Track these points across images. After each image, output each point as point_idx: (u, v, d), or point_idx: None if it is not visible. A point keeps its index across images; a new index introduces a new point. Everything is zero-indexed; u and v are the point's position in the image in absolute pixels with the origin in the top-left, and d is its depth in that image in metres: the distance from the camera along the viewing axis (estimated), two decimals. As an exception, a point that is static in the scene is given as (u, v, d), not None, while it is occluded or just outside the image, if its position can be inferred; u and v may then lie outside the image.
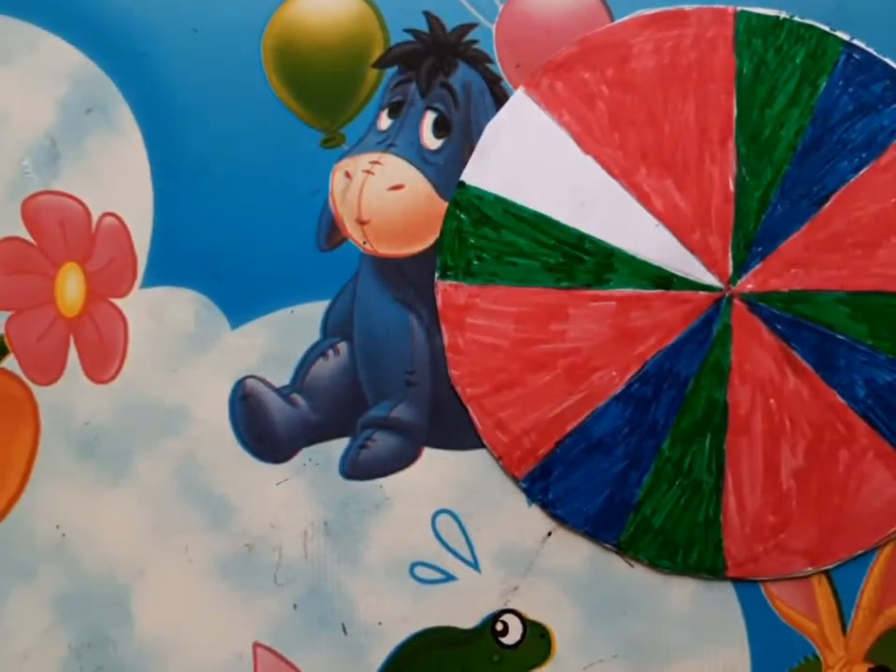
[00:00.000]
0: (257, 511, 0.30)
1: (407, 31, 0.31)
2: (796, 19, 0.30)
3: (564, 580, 0.29)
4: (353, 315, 0.31)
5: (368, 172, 0.31)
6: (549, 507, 0.29)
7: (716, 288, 0.29)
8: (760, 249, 0.29)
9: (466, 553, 0.30)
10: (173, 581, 0.30)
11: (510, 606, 0.29)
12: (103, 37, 0.32)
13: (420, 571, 0.30)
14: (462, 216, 0.30)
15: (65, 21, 0.32)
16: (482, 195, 0.30)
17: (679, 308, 0.29)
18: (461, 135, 0.31)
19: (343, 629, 0.30)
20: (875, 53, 0.29)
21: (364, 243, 0.31)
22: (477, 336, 0.30)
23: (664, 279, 0.29)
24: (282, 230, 0.31)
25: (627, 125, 0.30)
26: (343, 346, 0.31)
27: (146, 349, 0.31)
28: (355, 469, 0.30)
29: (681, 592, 0.29)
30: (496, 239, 0.30)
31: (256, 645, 0.30)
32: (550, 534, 0.29)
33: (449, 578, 0.30)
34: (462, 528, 0.30)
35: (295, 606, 0.30)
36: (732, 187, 0.29)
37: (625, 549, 0.29)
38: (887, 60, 0.29)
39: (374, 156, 0.31)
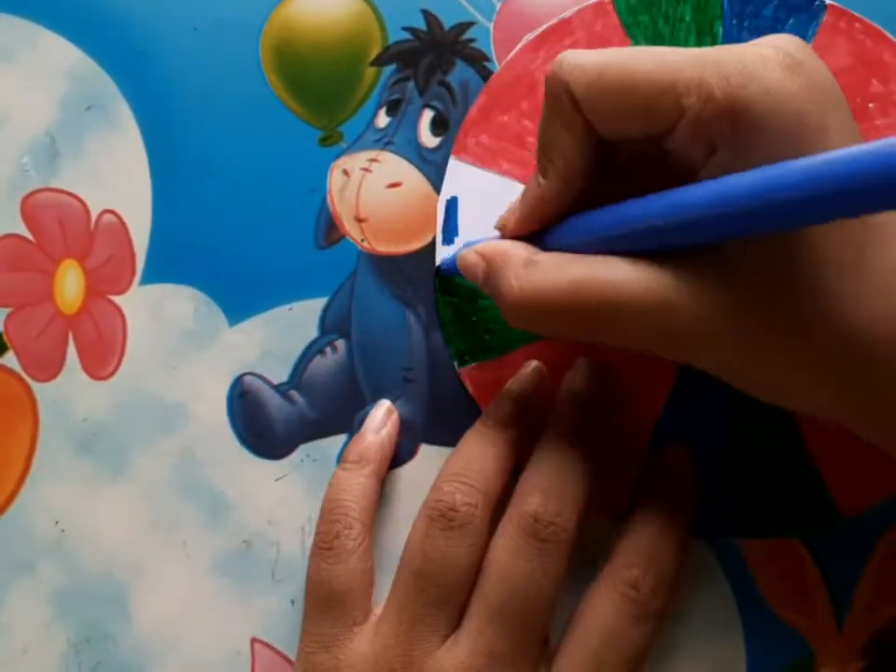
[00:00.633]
0: (254, 507, 0.30)
1: (405, 29, 0.31)
2: None
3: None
4: (351, 312, 0.31)
5: (366, 170, 0.31)
6: None
7: None
8: None
9: (463, 550, 0.30)
10: (171, 577, 0.30)
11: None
12: (102, 35, 0.32)
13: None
14: (454, 300, 0.30)
15: (65, 18, 0.32)
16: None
17: None
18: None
19: (341, 625, 0.30)
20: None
21: (362, 240, 0.31)
22: None
23: None
24: (280, 227, 0.31)
25: None
26: (340, 343, 0.31)
27: (144, 346, 0.31)
28: (352, 465, 0.30)
29: (677, 589, 0.29)
30: (494, 307, 0.30)
31: (254, 640, 0.30)
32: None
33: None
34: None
35: (293, 602, 0.30)
36: None
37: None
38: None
39: (372, 154, 0.31)
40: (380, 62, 0.31)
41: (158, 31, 0.32)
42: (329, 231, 0.31)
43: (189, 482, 0.30)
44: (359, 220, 0.31)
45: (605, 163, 0.24)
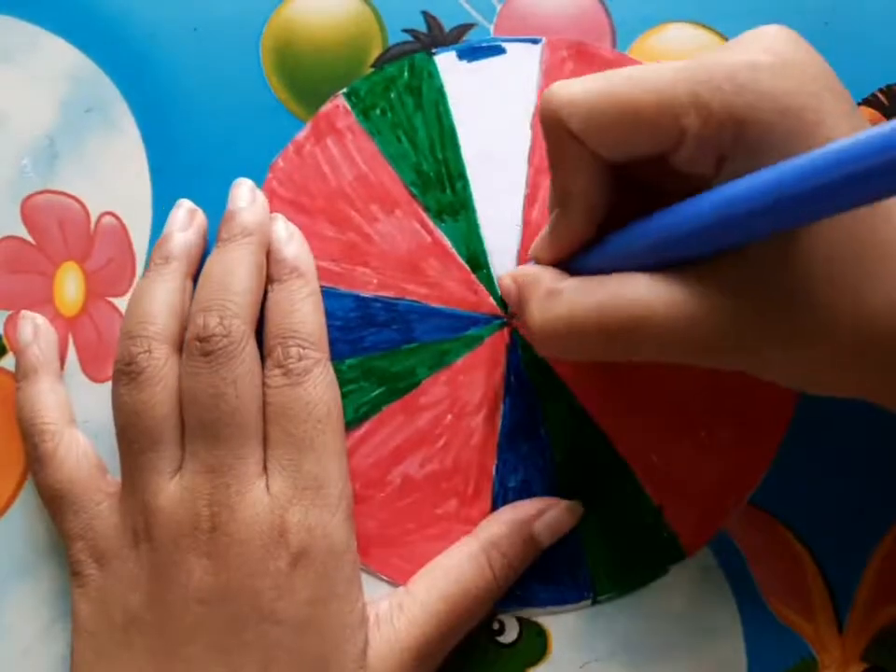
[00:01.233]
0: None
1: (405, 31, 0.31)
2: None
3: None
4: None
5: (366, 171, 0.31)
6: None
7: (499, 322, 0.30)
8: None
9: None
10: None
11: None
12: (102, 37, 0.32)
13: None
14: (406, 73, 0.30)
15: (65, 20, 0.32)
16: (434, 74, 0.30)
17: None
18: (459, 135, 0.31)
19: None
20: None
21: (362, 242, 0.31)
22: (321, 154, 0.30)
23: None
24: (280, 229, 0.31)
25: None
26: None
27: (144, 348, 0.31)
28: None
29: (678, 591, 0.29)
30: (408, 113, 0.30)
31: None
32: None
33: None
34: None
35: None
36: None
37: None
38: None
39: (372, 155, 0.31)
40: (380, 63, 0.31)
41: (158, 33, 0.32)
42: (329, 232, 0.31)
43: (189, 484, 0.30)
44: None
45: (622, 184, 0.24)
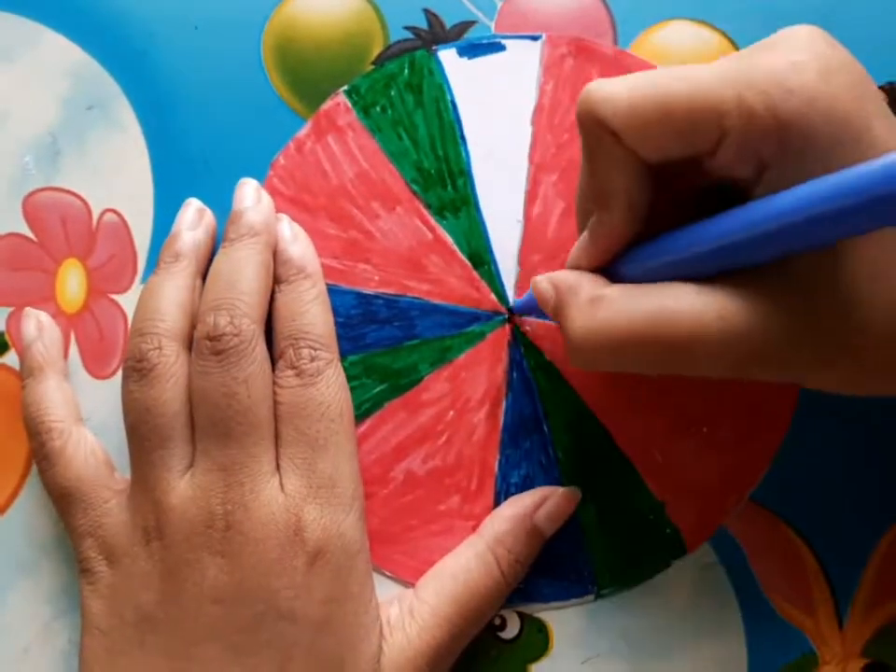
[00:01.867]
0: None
1: (407, 28, 0.31)
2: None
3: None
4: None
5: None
6: None
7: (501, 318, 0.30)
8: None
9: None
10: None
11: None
12: (104, 34, 0.32)
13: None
14: (406, 71, 0.30)
15: (66, 17, 0.32)
16: (434, 71, 0.31)
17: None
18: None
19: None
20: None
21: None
22: (322, 152, 0.30)
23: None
24: (282, 226, 0.31)
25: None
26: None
27: (146, 345, 0.31)
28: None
29: (679, 587, 0.29)
30: (409, 110, 0.30)
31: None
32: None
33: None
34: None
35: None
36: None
37: None
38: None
39: (374, 153, 0.31)
40: (381, 60, 0.31)
41: (159, 30, 0.32)
42: (331, 229, 0.31)
43: (190, 480, 0.30)
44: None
45: (661, 188, 0.24)
